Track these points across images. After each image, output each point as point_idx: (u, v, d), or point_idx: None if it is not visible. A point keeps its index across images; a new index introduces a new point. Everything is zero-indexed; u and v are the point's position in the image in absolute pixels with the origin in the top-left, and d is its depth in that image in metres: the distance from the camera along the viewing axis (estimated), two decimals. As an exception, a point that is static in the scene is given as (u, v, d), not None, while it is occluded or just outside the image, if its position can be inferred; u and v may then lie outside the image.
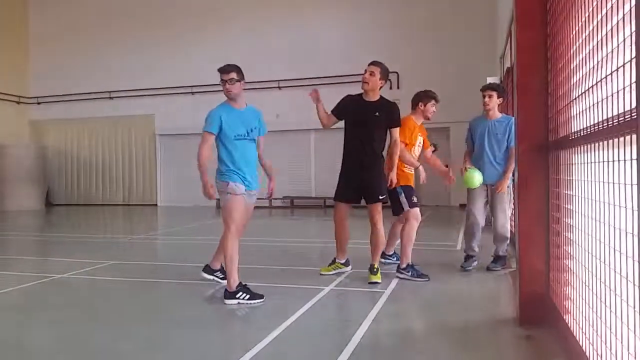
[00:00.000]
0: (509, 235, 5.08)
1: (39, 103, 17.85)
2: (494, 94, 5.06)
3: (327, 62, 14.72)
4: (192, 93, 16.15)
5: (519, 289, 3.26)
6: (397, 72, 14.50)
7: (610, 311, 1.97)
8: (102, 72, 17.00)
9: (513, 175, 4.56)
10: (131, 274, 5.28)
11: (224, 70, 4.10)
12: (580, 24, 2.43)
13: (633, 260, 1.66)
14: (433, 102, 5.09)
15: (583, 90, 2.39)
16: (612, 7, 1.87)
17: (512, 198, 5.03)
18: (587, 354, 2.34)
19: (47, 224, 11.97)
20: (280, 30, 15.48)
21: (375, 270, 4.55)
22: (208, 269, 4.56)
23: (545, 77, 3.16)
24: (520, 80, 3.22)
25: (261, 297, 3.94)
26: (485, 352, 2.91)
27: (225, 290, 3.96)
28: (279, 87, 15.00)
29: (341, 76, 14.43)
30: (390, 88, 14.40)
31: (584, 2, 2.33)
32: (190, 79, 16.11)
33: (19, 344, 3.17)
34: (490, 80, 8.09)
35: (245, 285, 3.97)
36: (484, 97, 5.11)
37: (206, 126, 4.08)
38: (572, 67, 2.64)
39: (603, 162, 2.02)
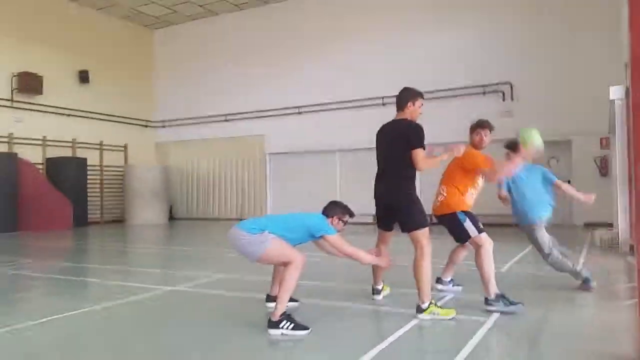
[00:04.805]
0: None
1: (163, 127, 19.51)
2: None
3: (441, 74, 14.35)
4: (299, 113, 16.65)
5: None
6: (510, 83, 13.76)
7: None
8: (218, 97, 18.22)
9: None
10: (237, 289, 5.45)
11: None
12: None
13: None
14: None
15: None
16: None
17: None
18: None
19: (166, 238, 12.94)
20: (386, 49, 15.43)
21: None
22: (271, 299, 4.38)
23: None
24: (636, 98, 2.83)
25: (306, 328, 3.75)
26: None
27: (269, 320, 3.79)
28: (383, 104, 14.90)
29: (458, 88, 14.13)
30: (504, 100, 13.73)
31: None
32: (296, 100, 16.67)
33: (116, 356, 3.38)
34: (612, 90, 7.34)
35: (290, 315, 3.83)
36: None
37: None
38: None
39: None
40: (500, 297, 4.26)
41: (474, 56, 14.17)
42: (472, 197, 4.68)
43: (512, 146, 4.78)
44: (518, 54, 13.71)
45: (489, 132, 4.74)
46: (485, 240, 4.40)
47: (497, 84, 13.90)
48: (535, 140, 4.39)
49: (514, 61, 13.73)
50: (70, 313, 4.52)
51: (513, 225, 5.61)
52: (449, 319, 4.00)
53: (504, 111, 13.44)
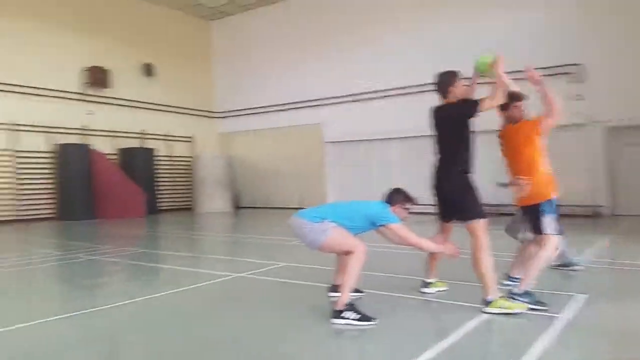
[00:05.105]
0: None
1: (225, 117, 20.01)
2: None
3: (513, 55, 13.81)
4: (355, 101, 16.56)
5: None
6: (581, 64, 13.00)
7: None
8: (274, 86, 18.47)
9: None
10: (301, 277, 5.55)
11: None
12: None
13: None
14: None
15: None
16: None
17: None
18: None
19: (230, 226, 13.32)
20: (443, 31, 14.97)
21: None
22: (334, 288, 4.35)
23: None
24: None
25: (372, 319, 3.69)
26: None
27: (334, 309, 3.77)
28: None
29: (521, 71, 13.47)
30: (573, 82, 13.00)
31: None
32: (352, 88, 16.57)
33: (176, 342, 3.51)
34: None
35: (354, 304, 3.78)
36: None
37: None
38: None
39: None
40: (527, 294, 4.02)
41: (539, 35, 13.43)
42: (546, 163, 4.30)
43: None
44: (591, 33, 12.90)
45: (523, 103, 4.48)
46: (553, 244, 4.15)
47: (565, 65, 13.15)
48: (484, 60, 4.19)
49: (586, 40, 12.93)
50: (145, 297, 4.77)
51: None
52: (519, 314, 3.85)
53: (575, 95, 12.74)
